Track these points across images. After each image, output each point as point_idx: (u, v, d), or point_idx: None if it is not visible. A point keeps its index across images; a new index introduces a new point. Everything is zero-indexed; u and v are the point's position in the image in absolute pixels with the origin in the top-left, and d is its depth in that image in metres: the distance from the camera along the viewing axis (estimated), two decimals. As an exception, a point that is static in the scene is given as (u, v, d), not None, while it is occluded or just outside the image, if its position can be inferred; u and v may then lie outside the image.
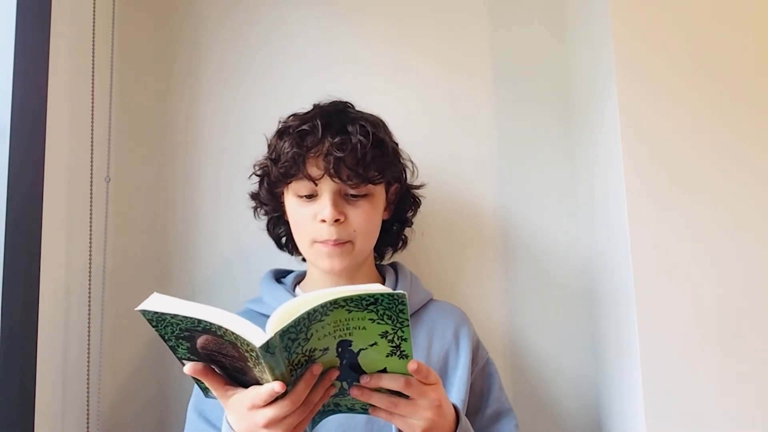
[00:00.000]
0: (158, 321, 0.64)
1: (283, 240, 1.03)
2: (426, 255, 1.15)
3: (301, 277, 1.00)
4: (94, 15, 1.08)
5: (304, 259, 1.01)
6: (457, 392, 0.89)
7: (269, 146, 0.94)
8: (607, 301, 1.07)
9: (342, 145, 0.85)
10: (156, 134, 1.19)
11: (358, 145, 0.86)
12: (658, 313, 0.93)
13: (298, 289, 0.98)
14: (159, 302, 0.63)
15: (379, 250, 1.03)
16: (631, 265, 0.94)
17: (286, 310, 0.61)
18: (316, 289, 0.93)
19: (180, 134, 1.20)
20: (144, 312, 0.63)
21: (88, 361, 1.04)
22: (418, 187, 1.03)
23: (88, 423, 1.02)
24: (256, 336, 0.60)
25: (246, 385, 0.68)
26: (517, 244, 1.18)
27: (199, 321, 0.62)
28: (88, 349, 1.04)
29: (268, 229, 1.03)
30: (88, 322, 1.05)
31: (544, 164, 1.20)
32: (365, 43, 1.22)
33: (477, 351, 0.96)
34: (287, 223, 0.97)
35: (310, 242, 0.90)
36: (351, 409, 0.75)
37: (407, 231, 1.06)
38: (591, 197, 1.13)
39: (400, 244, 1.05)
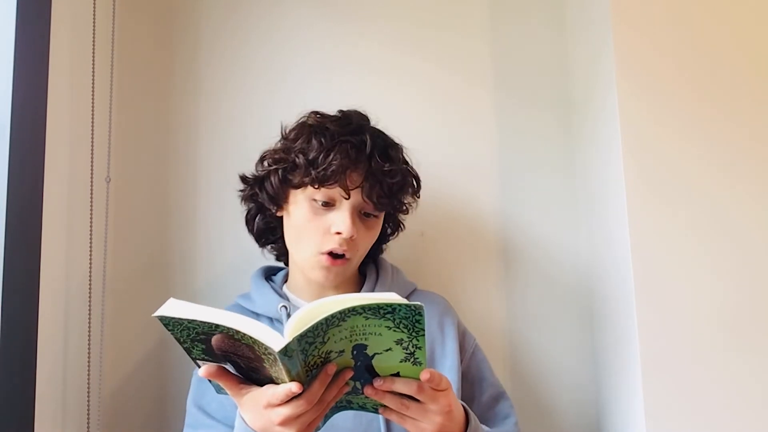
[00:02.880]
0: (174, 325, 0.65)
1: (263, 234, 0.99)
2: (426, 257, 1.15)
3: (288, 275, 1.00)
4: (94, 15, 1.08)
5: (278, 258, 1.02)
6: (449, 381, 0.88)
7: (294, 140, 0.90)
8: (607, 301, 1.07)
9: (389, 170, 0.87)
10: (156, 134, 1.19)
11: (400, 173, 0.89)
12: (658, 314, 0.93)
13: (285, 288, 0.98)
14: (176, 308, 0.64)
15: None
16: (631, 265, 0.94)
17: (305, 314, 0.63)
18: (302, 290, 0.95)
19: (180, 134, 1.20)
20: (161, 318, 0.64)
21: (88, 361, 1.04)
22: (405, 212, 1.01)
23: (88, 423, 1.02)
24: (275, 340, 0.62)
25: (260, 382, 0.69)
26: (517, 245, 1.18)
27: (217, 326, 0.63)
28: (88, 349, 1.04)
29: (247, 220, 0.99)
30: (88, 322, 1.05)
31: (545, 164, 1.20)
32: (365, 42, 1.22)
33: (464, 338, 0.97)
34: (275, 218, 0.95)
35: (314, 252, 0.88)
36: (362, 408, 0.77)
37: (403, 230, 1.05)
38: (591, 197, 1.13)
39: (378, 253, 1.03)
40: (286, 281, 0.99)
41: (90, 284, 1.06)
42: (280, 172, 0.90)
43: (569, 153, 1.20)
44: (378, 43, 1.22)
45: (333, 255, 0.87)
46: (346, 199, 0.86)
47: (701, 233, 0.94)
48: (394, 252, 1.07)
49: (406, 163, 0.95)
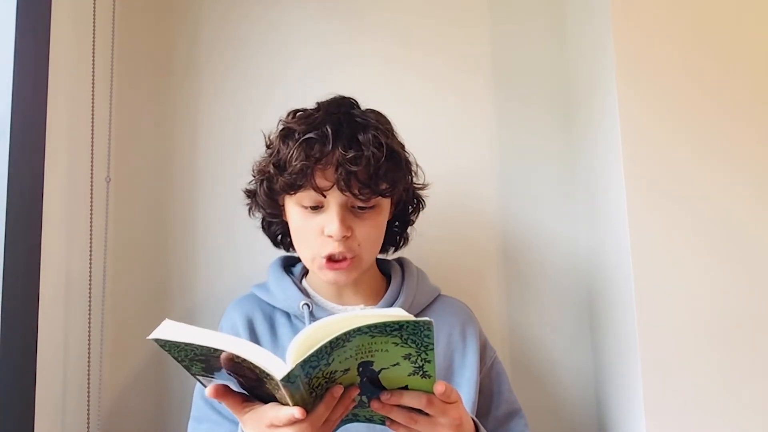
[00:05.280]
0: (171, 347, 0.63)
1: (279, 237, 0.99)
2: (426, 254, 1.15)
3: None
4: (94, 15, 1.08)
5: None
6: (466, 394, 0.88)
7: (271, 148, 0.90)
8: (607, 300, 1.07)
9: (355, 159, 0.80)
10: (156, 134, 1.19)
11: (371, 158, 0.81)
12: (658, 313, 0.93)
13: (305, 281, 0.96)
14: (172, 330, 0.62)
15: (381, 248, 0.99)
16: (631, 264, 0.94)
17: (307, 338, 0.60)
18: (322, 288, 0.93)
19: (180, 134, 1.20)
20: (157, 340, 0.62)
21: (88, 362, 1.04)
22: (422, 188, 0.99)
23: (88, 423, 1.02)
24: (277, 368, 0.60)
25: (263, 398, 0.68)
26: (518, 244, 1.18)
27: (216, 350, 0.61)
28: (88, 349, 1.04)
29: (263, 227, 0.99)
30: (88, 323, 1.05)
31: (545, 163, 1.20)
32: (365, 42, 1.22)
33: (485, 350, 0.95)
34: (284, 222, 0.94)
35: (312, 257, 0.87)
36: (369, 420, 0.75)
37: (409, 228, 1.03)
38: (591, 195, 1.13)
39: (402, 243, 1.01)
40: (305, 273, 0.97)
41: (90, 284, 1.06)
42: (264, 183, 0.90)
43: (569, 152, 1.20)
44: (379, 42, 1.22)
45: (333, 259, 0.85)
46: (325, 198, 0.83)
47: (701, 232, 0.94)
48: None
49: (386, 142, 0.85)
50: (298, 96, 1.19)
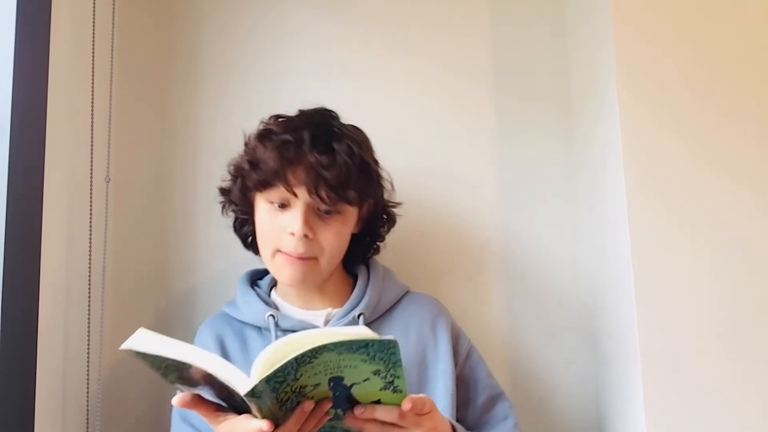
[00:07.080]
0: (145, 356, 0.65)
1: (249, 239, 1.01)
2: (425, 258, 1.15)
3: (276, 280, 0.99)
4: (94, 15, 1.08)
5: None
6: (443, 386, 0.89)
7: (247, 146, 0.93)
8: (608, 304, 1.07)
9: (328, 164, 0.84)
10: (156, 134, 1.19)
11: (343, 166, 0.85)
12: (658, 317, 0.93)
13: (273, 293, 0.97)
14: (145, 341, 0.64)
15: (350, 258, 0.99)
16: (631, 267, 0.94)
17: (273, 353, 0.62)
18: (289, 294, 0.94)
19: (180, 134, 1.20)
20: (129, 350, 0.64)
21: (88, 361, 1.04)
22: (394, 205, 1.00)
23: (87, 423, 1.02)
24: (241, 383, 0.61)
25: (237, 409, 0.69)
26: (517, 249, 1.18)
27: (184, 363, 0.63)
28: (88, 349, 1.04)
29: (234, 227, 1.01)
30: (88, 322, 1.04)
31: (545, 166, 1.19)
32: (365, 42, 1.22)
33: (458, 341, 0.96)
34: (255, 223, 0.95)
35: (272, 252, 0.89)
36: None
37: (391, 230, 1.03)
38: (591, 199, 1.13)
39: (371, 253, 1.02)
40: (274, 285, 0.98)
41: (90, 284, 1.06)
42: (238, 180, 0.93)
43: (570, 154, 1.20)
44: (378, 44, 1.22)
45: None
46: (295, 197, 0.86)
47: (702, 236, 0.94)
48: (396, 255, 1.06)
49: (360, 153, 0.88)
50: (298, 98, 1.18)
